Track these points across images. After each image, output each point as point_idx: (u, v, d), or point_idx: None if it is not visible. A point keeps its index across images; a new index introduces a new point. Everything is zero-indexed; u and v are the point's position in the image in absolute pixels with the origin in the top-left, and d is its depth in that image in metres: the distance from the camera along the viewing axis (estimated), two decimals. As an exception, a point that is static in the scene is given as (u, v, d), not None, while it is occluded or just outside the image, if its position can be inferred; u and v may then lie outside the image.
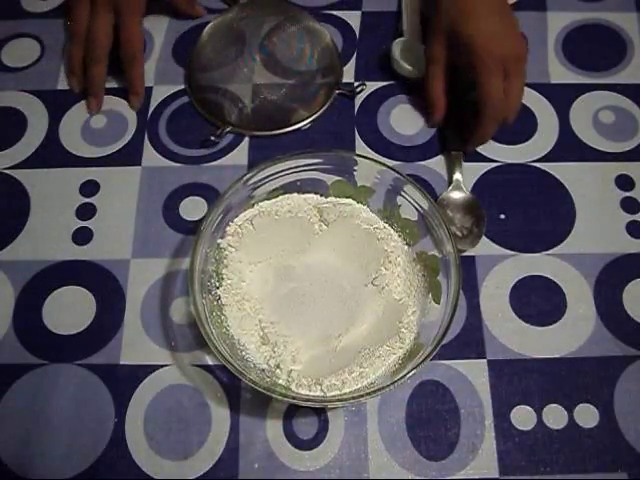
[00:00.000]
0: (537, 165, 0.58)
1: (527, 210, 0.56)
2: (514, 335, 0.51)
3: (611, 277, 0.53)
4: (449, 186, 0.56)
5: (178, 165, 0.58)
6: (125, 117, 0.61)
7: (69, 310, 0.52)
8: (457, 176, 0.56)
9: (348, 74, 0.63)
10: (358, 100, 0.62)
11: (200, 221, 0.49)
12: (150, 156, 0.59)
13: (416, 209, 0.50)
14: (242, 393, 0.49)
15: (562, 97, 0.62)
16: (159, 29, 0.66)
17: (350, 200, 0.53)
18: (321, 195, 0.53)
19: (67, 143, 0.59)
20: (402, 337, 0.47)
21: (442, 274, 0.48)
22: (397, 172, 0.50)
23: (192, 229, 0.55)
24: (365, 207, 0.53)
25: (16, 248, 0.54)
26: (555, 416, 0.48)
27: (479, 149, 0.59)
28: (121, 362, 0.50)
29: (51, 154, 0.59)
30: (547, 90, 0.62)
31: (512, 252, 0.54)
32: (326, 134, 0.60)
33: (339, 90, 0.61)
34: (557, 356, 0.50)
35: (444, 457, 0.47)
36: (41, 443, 0.47)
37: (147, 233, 0.55)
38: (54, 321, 0.51)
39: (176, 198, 0.57)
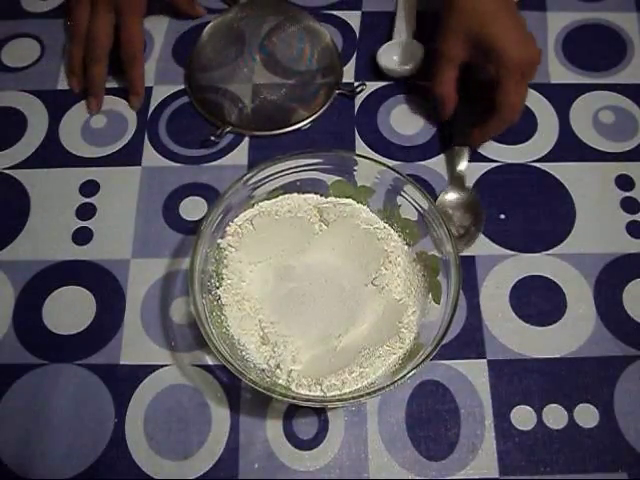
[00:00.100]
0: (537, 165, 0.58)
1: (527, 210, 0.56)
2: (514, 335, 0.51)
3: (611, 277, 0.53)
4: (450, 182, 0.56)
5: (178, 165, 0.58)
6: (125, 117, 0.61)
7: (69, 310, 0.52)
8: (461, 168, 0.56)
9: (348, 74, 0.63)
10: (358, 100, 0.62)
11: (200, 221, 0.49)
12: (150, 156, 0.59)
13: (416, 209, 0.50)
14: (242, 393, 0.49)
15: (562, 97, 0.62)
16: (159, 29, 0.66)
17: (350, 200, 0.53)
18: (321, 195, 0.53)
19: (67, 143, 0.60)
20: (402, 337, 0.47)
21: (442, 274, 0.48)
22: (397, 172, 0.50)
23: (192, 229, 0.55)
24: (365, 207, 0.53)
25: (16, 248, 0.54)
26: (555, 416, 0.48)
27: (479, 149, 0.59)
28: (121, 362, 0.50)
29: (51, 154, 0.59)
30: (547, 90, 0.62)
31: (512, 252, 0.54)
32: (326, 134, 0.60)
33: (339, 90, 0.61)
34: (557, 356, 0.50)
35: (444, 457, 0.47)
36: (41, 443, 0.47)
37: (147, 233, 0.55)
38: (54, 321, 0.51)
39: (176, 198, 0.57)
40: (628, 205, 0.56)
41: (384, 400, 0.49)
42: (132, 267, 0.53)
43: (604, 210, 0.56)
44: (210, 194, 0.57)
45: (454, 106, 0.58)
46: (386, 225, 0.52)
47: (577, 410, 0.48)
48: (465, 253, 0.53)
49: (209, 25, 0.63)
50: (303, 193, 0.53)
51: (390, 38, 0.63)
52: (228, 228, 0.50)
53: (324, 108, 0.61)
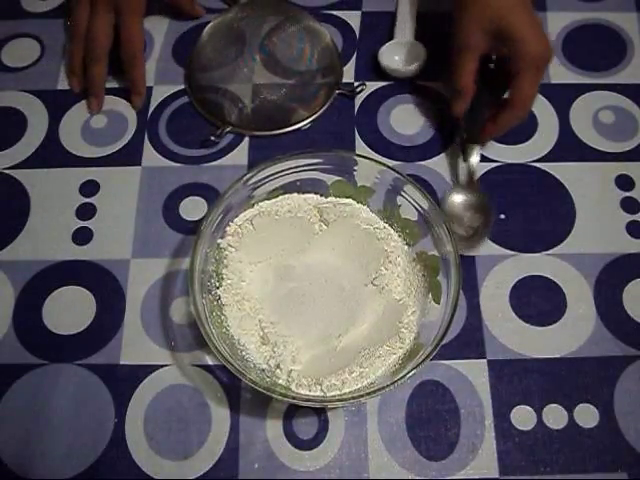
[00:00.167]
0: (537, 165, 0.58)
1: (527, 210, 0.56)
2: (514, 335, 0.51)
3: (611, 277, 0.53)
4: (459, 181, 0.56)
5: (178, 165, 0.58)
6: (125, 117, 0.61)
7: (69, 310, 0.52)
8: (473, 165, 0.56)
9: (348, 74, 0.63)
10: (358, 100, 0.62)
11: (200, 221, 0.49)
12: (150, 156, 0.59)
13: (416, 209, 0.50)
14: (242, 393, 0.49)
15: (562, 97, 0.62)
16: (159, 29, 0.66)
17: (350, 200, 0.53)
18: (321, 195, 0.53)
19: (67, 143, 0.60)
20: (402, 337, 0.47)
21: (442, 274, 0.48)
22: (397, 172, 0.50)
23: (192, 229, 0.55)
24: (365, 207, 0.53)
25: (16, 248, 0.54)
26: (555, 416, 0.48)
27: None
28: (121, 362, 0.50)
29: (51, 154, 0.59)
30: (547, 90, 0.62)
31: (512, 252, 0.54)
32: (326, 134, 0.60)
33: (339, 90, 0.61)
34: (557, 356, 0.50)
35: (444, 457, 0.47)
36: (41, 443, 0.47)
37: (147, 233, 0.55)
38: (54, 321, 0.51)
39: (176, 198, 0.57)
40: (628, 205, 0.56)
41: (384, 400, 0.49)
42: (132, 267, 0.53)
43: (604, 210, 0.56)
44: (210, 194, 0.57)
45: (470, 100, 0.56)
46: (386, 225, 0.52)
47: (577, 410, 0.48)
48: (465, 253, 0.53)
49: (209, 25, 0.63)
50: (303, 193, 0.53)
51: (391, 38, 0.63)
52: (228, 228, 0.50)
53: (324, 108, 0.61)
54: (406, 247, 0.52)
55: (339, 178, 0.53)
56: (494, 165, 0.58)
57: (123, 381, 0.49)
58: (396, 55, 0.62)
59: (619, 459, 0.47)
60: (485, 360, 0.50)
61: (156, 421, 0.48)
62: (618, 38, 0.65)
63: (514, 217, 0.56)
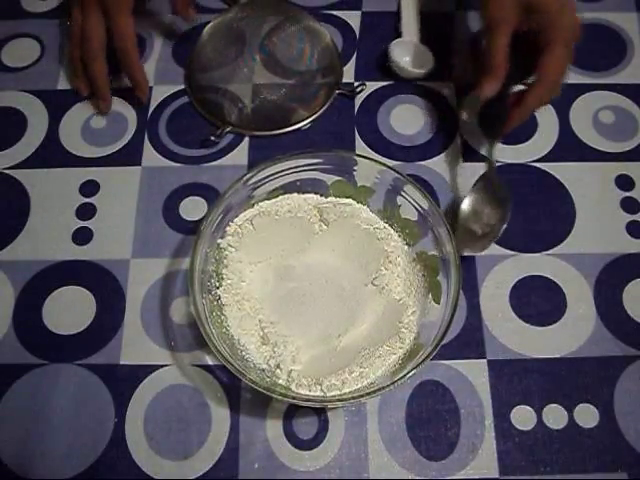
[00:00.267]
0: (537, 165, 0.58)
1: (527, 210, 0.56)
2: (514, 335, 0.51)
3: (611, 277, 0.53)
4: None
5: (178, 165, 0.58)
6: (125, 117, 0.61)
7: (69, 310, 0.52)
8: (495, 157, 0.55)
9: (348, 74, 0.63)
10: (358, 100, 0.62)
11: (200, 221, 0.49)
12: (150, 156, 0.59)
13: (416, 209, 0.50)
14: (242, 393, 0.49)
15: (562, 97, 0.61)
16: (159, 29, 0.66)
17: (350, 200, 0.53)
18: (321, 195, 0.53)
19: (67, 143, 0.59)
20: (402, 337, 0.47)
21: (442, 274, 0.48)
22: (397, 172, 0.50)
23: (192, 229, 0.55)
24: (365, 207, 0.53)
25: (16, 248, 0.54)
26: (555, 416, 0.48)
27: (478, 149, 0.59)
28: (121, 362, 0.50)
29: (51, 154, 0.59)
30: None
31: (512, 252, 0.54)
32: (326, 134, 0.60)
33: (339, 90, 0.61)
34: (557, 356, 0.50)
35: (444, 457, 0.47)
36: (41, 443, 0.47)
37: (147, 233, 0.55)
38: (54, 321, 0.51)
39: (176, 198, 0.57)
40: (628, 205, 0.56)
41: (384, 400, 0.49)
42: (132, 267, 0.53)
43: (604, 210, 0.56)
44: (210, 194, 0.57)
45: (503, 79, 0.53)
46: (386, 225, 0.52)
47: (577, 410, 0.48)
48: (465, 253, 0.53)
49: (209, 25, 0.63)
50: (303, 193, 0.53)
51: (392, 38, 0.63)
52: (228, 228, 0.50)
53: (324, 108, 0.61)
54: (406, 247, 0.52)
55: (339, 178, 0.53)
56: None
57: (123, 381, 0.49)
58: (405, 55, 0.62)
59: (619, 459, 0.47)
60: (485, 360, 0.50)
61: (156, 421, 0.48)
62: (618, 38, 0.65)
63: (514, 217, 0.55)
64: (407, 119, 0.61)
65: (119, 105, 0.61)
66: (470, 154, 0.59)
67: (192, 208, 0.56)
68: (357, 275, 0.51)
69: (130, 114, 0.61)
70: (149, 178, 0.58)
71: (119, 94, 0.62)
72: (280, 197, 0.52)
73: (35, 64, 0.64)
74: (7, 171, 0.58)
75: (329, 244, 0.52)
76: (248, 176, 0.50)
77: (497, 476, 0.46)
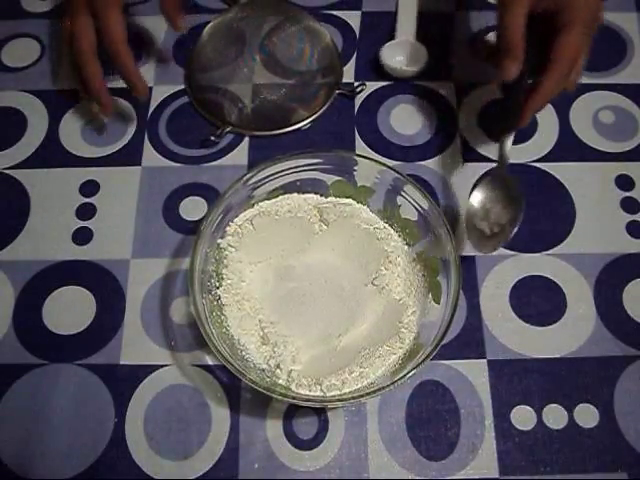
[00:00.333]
0: (537, 165, 0.58)
1: (527, 210, 0.56)
2: (514, 335, 0.51)
3: (611, 277, 0.53)
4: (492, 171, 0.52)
5: (178, 165, 0.58)
6: (125, 117, 0.61)
7: (69, 310, 0.52)
8: (508, 151, 0.52)
9: (348, 74, 0.63)
10: (358, 100, 0.62)
11: (200, 221, 0.49)
12: (150, 156, 0.59)
13: (416, 209, 0.50)
14: (242, 393, 0.49)
15: (562, 97, 0.61)
16: (159, 29, 0.66)
17: (350, 200, 0.53)
18: (321, 195, 0.53)
19: (67, 143, 0.60)
20: (402, 337, 0.47)
21: (442, 274, 0.48)
22: (397, 172, 0.50)
23: (192, 229, 0.55)
24: (365, 207, 0.53)
25: (16, 248, 0.54)
26: (555, 416, 0.48)
27: (478, 149, 0.59)
28: (121, 362, 0.50)
29: (51, 154, 0.59)
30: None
31: (512, 252, 0.54)
32: (326, 134, 0.60)
33: (339, 90, 0.61)
34: (557, 356, 0.50)
35: (444, 457, 0.47)
36: (41, 443, 0.47)
37: (147, 233, 0.55)
38: (54, 321, 0.51)
39: (176, 198, 0.57)
40: (628, 205, 0.56)
41: (384, 400, 0.49)
42: (132, 267, 0.53)
43: (604, 210, 0.56)
44: (210, 194, 0.57)
45: (522, 59, 0.49)
46: (386, 225, 0.52)
47: (577, 410, 0.48)
48: (465, 253, 0.53)
49: (209, 25, 0.63)
50: (303, 193, 0.53)
51: (392, 38, 0.63)
52: (228, 228, 0.50)
53: (324, 108, 0.61)
54: (406, 247, 0.52)
55: (339, 178, 0.53)
56: (494, 165, 0.58)
57: (123, 381, 0.49)
58: (397, 55, 0.62)
59: (619, 459, 0.47)
60: (485, 360, 0.50)
61: (156, 421, 0.48)
62: (618, 38, 0.65)
63: (514, 217, 0.56)
64: (407, 119, 0.61)
65: (119, 104, 0.61)
66: (470, 154, 0.59)
67: (192, 208, 0.56)
68: (357, 275, 0.51)
69: (130, 114, 0.61)
70: (149, 178, 0.58)
71: (119, 94, 0.61)
72: (280, 197, 0.52)
73: (35, 64, 0.64)
74: (7, 171, 0.58)
75: (329, 244, 0.52)
76: (248, 176, 0.50)
77: (497, 476, 0.46)
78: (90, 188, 0.57)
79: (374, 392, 0.43)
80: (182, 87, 0.62)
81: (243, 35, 0.63)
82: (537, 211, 0.56)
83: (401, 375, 0.43)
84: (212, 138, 0.58)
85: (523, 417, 0.48)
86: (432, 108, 0.61)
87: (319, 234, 0.52)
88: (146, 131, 0.60)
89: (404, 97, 0.62)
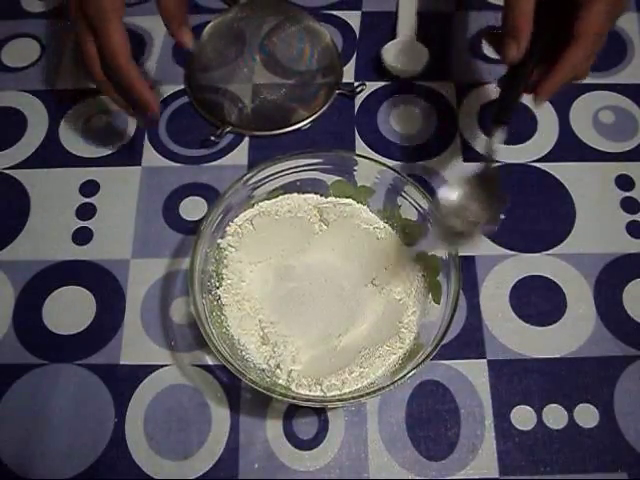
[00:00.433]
0: (537, 165, 0.58)
1: (527, 210, 0.56)
2: (514, 335, 0.51)
3: (611, 277, 0.53)
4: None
5: (178, 165, 0.58)
6: (125, 117, 0.61)
7: (69, 310, 0.52)
8: (495, 144, 0.47)
9: (348, 74, 0.63)
10: (358, 100, 0.62)
11: (200, 221, 0.49)
12: (150, 156, 0.59)
13: (416, 209, 0.50)
14: (242, 393, 0.49)
15: (562, 97, 0.62)
16: (159, 29, 0.66)
17: (350, 200, 0.53)
18: (321, 195, 0.53)
19: (67, 143, 0.60)
20: (402, 337, 0.47)
21: (442, 274, 0.48)
22: (397, 172, 0.50)
23: (192, 229, 0.55)
24: (365, 207, 0.53)
25: (16, 248, 0.54)
26: (555, 416, 0.48)
27: (478, 149, 0.59)
28: (121, 362, 0.50)
29: (51, 154, 0.59)
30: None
31: (512, 252, 0.54)
32: (326, 134, 0.60)
33: (339, 90, 0.61)
34: (557, 356, 0.50)
35: (444, 457, 0.47)
36: (41, 443, 0.47)
37: (147, 233, 0.55)
38: (54, 321, 0.51)
39: (176, 198, 0.57)
40: (628, 205, 0.56)
41: (384, 400, 0.49)
42: (132, 267, 0.53)
43: (604, 210, 0.56)
44: (210, 194, 0.57)
45: (528, 39, 0.44)
46: (386, 225, 0.52)
47: (577, 410, 0.48)
48: (465, 253, 0.53)
49: (209, 25, 0.63)
50: (303, 193, 0.53)
51: (392, 37, 0.63)
52: (228, 228, 0.50)
53: (324, 108, 0.61)
54: (406, 247, 0.52)
55: (339, 178, 0.53)
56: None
57: (123, 381, 0.49)
58: (399, 54, 0.62)
59: (619, 459, 0.47)
60: (485, 360, 0.50)
61: (156, 421, 0.48)
62: (618, 38, 0.65)
63: (514, 217, 0.56)
64: (407, 119, 0.61)
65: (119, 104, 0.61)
66: (470, 154, 0.59)
67: (192, 208, 0.56)
68: (357, 275, 0.51)
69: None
70: (149, 178, 0.58)
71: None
72: (280, 197, 0.52)
73: (35, 64, 0.64)
74: (7, 171, 0.58)
75: (329, 244, 0.52)
76: (248, 176, 0.50)
77: (497, 476, 0.46)
78: (90, 188, 0.57)
79: (374, 392, 0.43)
80: (182, 87, 0.62)
81: (243, 35, 0.63)
82: (537, 211, 0.56)
83: (401, 375, 0.43)
84: (212, 138, 0.58)
85: (523, 417, 0.48)
86: (432, 108, 0.61)
87: (319, 234, 0.52)
88: (146, 131, 0.60)
89: (404, 97, 0.62)
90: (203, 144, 0.59)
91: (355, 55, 0.64)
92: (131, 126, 0.60)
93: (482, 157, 0.57)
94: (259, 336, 0.48)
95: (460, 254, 0.47)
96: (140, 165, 0.58)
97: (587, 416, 0.48)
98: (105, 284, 0.53)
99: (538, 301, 0.52)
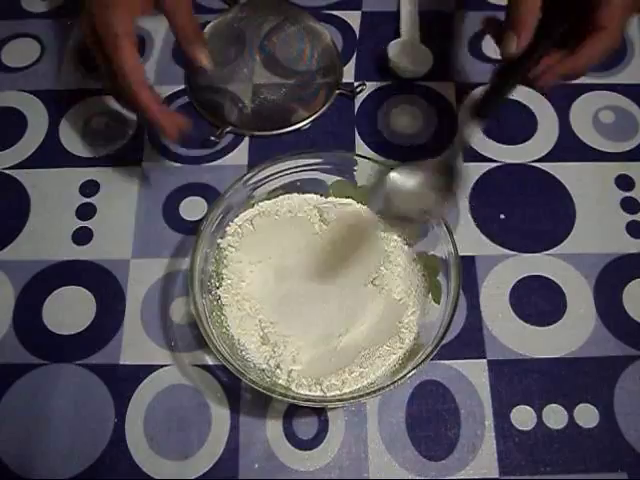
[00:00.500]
0: (537, 165, 0.58)
1: (527, 210, 0.56)
2: (514, 335, 0.51)
3: (611, 277, 0.53)
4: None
5: (178, 165, 0.58)
6: (125, 117, 0.61)
7: (69, 310, 0.52)
8: (469, 134, 0.46)
9: (348, 74, 0.63)
10: (358, 100, 0.62)
11: (200, 221, 0.49)
12: (150, 156, 0.59)
13: (416, 209, 0.50)
14: (242, 393, 0.49)
15: (562, 97, 0.62)
16: (159, 29, 0.66)
17: (350, 200, 0.53)
18: (321, 195, 0.53)
19: (67, 143, 0.59)
20: (402, 337, 0.47)
21: (442, 274, 0.48)
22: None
23: (192, 229, 0.55)
24: (365, 207, 0.53)
25: (16, 248, 0.54)
26: (555, 416, 0.48)
27: (478, 149, 0.59)
28: (121, 362, 0.50)
29: (51, 154, 0.59)
30: (551, 90, 0.62)
31: (512, 252, 0.54)
32: (326, 134, 0.60)
33: (339, 90, 0.61)
34: (557, 356, 0.50)
35: (444, 457, 0.47)
36: (41, 443, 0.47)
37: (147, 233, 0.55)
38: (54, 321, 0.51)
39: (176, 198, 0.57)
40: (628, 205, 0.56)
41: (384, 400, 0.48)
42: (132, 267, 0.53)
43: (604, 210, 0.56)
44: (210, 194, 0.57)
45: (532, 32, 0.42)
46: (386, 225, 0.52)
47: (577, 410, 0.48)
48: (465, 253, 0.53)
49: (209, 25, 0.63)
50: (303, 193, 0.53)
51: (392, 37, 0.63)
52: (228, 228, 0.50)
53: (324, 108, 0.61)
54: (406, 247, 0.52)
55: (339, 178, 0.53)
56: (494, 165, 0.58)
57: (123, 381, 0.49)
58: (403, 53, 0.62)
59: (619, 459, 0.47)
60: (485, 360, 0.50)
61: (156, 421, 0.48)
62: (618, 38, 0.65)
63: (514, 217, 0.56)
64: (407, 119, 0.61)
65: (119, 105, 0.61)
66: (470, 154, 0.58)
67: (192, 208, 0.56)
68: (357, 275, 0.51)
69: (130, 114, 0.61)
70: (149, 178, 0.58)
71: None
72: (280, 197, 0.52)
73: (35, 64, 0.64)
74: (7, 171, 0.58)
75: (329, 244, 0.52)
76: (248, 176, 0.50)
77: (497, 476, 0.46)
78: (90, 188, 0.57)
79: (374, 392, 0.43)
80: (182, 87, 0.62)
81: (243, 35, 0.63)
82: (537, 211, 0.56)
83: (401, 375, 0.43)
84: (212, 138, 0.58)
85: (523, 417, 0.48)
86: (432, 108, 0.61)
87: (319, 234, 0.52)
88: (146, 131, 0.60)
89: (404, 97, 0.62)
90: (203, 144, 0.59)
91: (355, 55, 0.64)
92: (131, 126, 0.60)
93: (483, 158, 0.58)
94: (259, 336, 0.48)
95: (460, 254, 0.47)
96: (140, 165, 0.58)
97: (587, 416, 0.48)
98: (105, 284, 0.53)
99: (538, 301, 0.52)
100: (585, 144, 0.59)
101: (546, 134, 0.60)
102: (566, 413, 0.48)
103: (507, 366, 0.50)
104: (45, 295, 0.52)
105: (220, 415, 0.48)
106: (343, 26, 0.66)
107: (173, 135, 0.50)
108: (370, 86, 0.62)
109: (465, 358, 0.50)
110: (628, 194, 0.57)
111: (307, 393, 0.45)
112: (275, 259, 0.52)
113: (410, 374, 0.43)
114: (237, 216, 0.51)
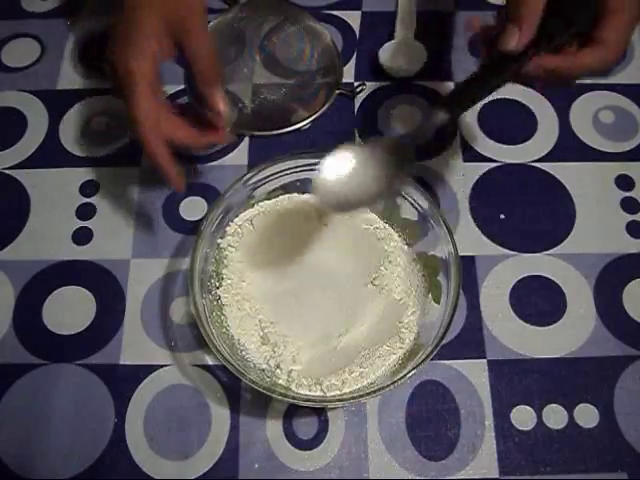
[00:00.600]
0: (537, 165, 0.58)
1: (527, 210, 0.56)
2: (514, 335, 0.51)
3: (611, 277, 0.53)
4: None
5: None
6: (125, 117, 0.60)
7: (69, 310, 0.52)
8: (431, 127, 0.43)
9: (348, 74, 0.63)
10: (358, 100, 0.62)
11: (200, 221, 0.49)
12: (150, 156, 0.59)
13: (416, 209, 0.50)
14: (242, 393, 0.49)
15: (562, 97, 0.62)
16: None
17: (350, 200, 0.53)
18: (321, 195, 0.53)
19: (67, 143, 0.59)
20: (402, 337, 0.47)
21: (442, 274, 0.48)
22: (397, 172, 0.50)
23: (192, 229, 0.55)
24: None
25: (16, 248, 0.54)
26: (555, 416, 0.48)
27: (478, 149, 0.59)
28: (121, 362, 0.50)
29: (51, 154, 0.59)
30: (547, 90, 0.62)
31: (512, 252, 0.54)
32: (326, 134, 0.60)
33: (339, 90, 0.61)
34: (557, 356, 0.50)
35: (444, 457, 0.47)
36: (41, 443, 0.47)
37: (147, 233, 0.55)
38: (54, 321, 0.51)
39: (176, 198, 0.57)
40: (628, 205, 0.56)
41: (384, 400, 0.49)
42: (132, 267, 0.53)
43: (604, 210, 0.56)
44: (210, 194, 0.57)
45: (534, 30, 0.40)
46: (386, 225, 0.52)
47: (577, 410, 0.48)
48: (465, 253, 0.53)
49: (209, 25, 0.63)
50: (303, 193, 0.53)
51: (391, 38, 0.63)
52: (228, 228, 0.50)
53: (324, 108, 0.61)
54: (406, 247, 0.52)
55: (339, 178, 0.53)
56: (494, 165, 0.58)
57: (123, 381, 0.49)
58: (397, 55, 0.62)
59: (619, 459, 0.47)
60: (485, 360, 0.50)
61: (156, 421, 0.48)
62: (618, 38, 0.65)
63: (514, 217, 0.56)
64: (407, 119, 0.61)
65: (119, 105, 0.61)
66: (470, 154, 0.59)
67: (192, 208, 0.56)
68: (357, 275, 0.51)
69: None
70: (149, 178, 0.58)
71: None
72: (280, 197, 0.52)
73: (35, 64, 0.64)
74: (7, 171, 0.58)
75: (329, 244, 0.52)
76: (248, 176, 0.50)
77: (497, 476, 0.46)
78: (90, 188, 0.57)
79: (374, 392, 0.43)
80: (182, 87, 0.62)
81: (243, 35, 0.63)
82: (537, 211, 0.56)
83: (401, 375, 0.43)
84: (212, 138, 0.58)
85: (523, 417, 0.48)
86: (432, 108, 0.61)
87: (319, 234, 0.52)
88: (146, 131, 0.60)
89: (404, 97, 0.62)
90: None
91: (355, 55, 0.64)
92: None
93: (483, 158, 0.58)
94: (259, 336, 0.48)
95: (460, 254, 0.47)
96: (140, 165, 0.58)
97: (587, 416, 0.48)
98: (105, 284, 0.53)
99: (538, 301, 0.52)
100: (585, 144, 0.59)
101: (546, 134, 0.60)
102: (566, 413, 0.48)
103: (507, 366, 0.50)
104: (45, 295, 0.52)
105: (220, 415, 0.48)
106: (343, 26, 0.66)
107: (180, 188, 0.49)
108: (370, 86, 0.62)
109: (465, 358, 0.50)
110: (628, 194, 0.57)
111: (307, 393, 0.45)
112: (275, 259, 0.52)
113: (410, 374, 0.43)
114: (237, 216, 0.51)
